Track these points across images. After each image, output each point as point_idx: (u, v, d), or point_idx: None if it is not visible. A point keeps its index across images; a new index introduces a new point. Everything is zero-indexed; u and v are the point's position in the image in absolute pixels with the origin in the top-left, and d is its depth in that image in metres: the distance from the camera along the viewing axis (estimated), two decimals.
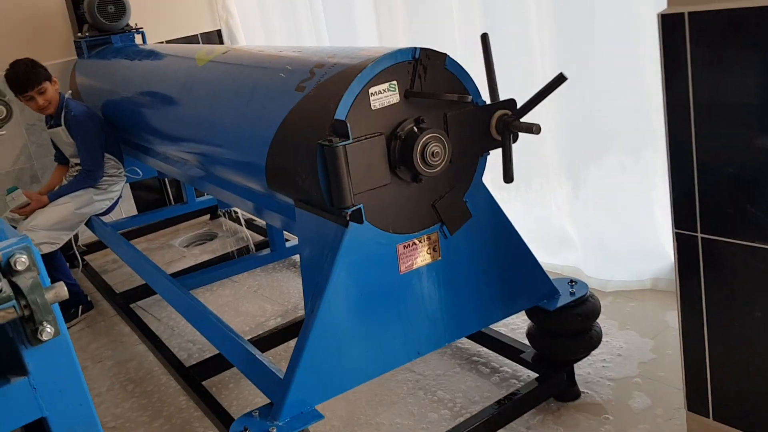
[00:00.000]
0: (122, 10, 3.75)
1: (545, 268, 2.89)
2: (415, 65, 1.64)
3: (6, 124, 1.51)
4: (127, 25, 3.79)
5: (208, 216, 4.34)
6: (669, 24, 1.51)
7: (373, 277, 1.70)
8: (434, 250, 1.78)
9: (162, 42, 4.18)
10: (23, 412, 1.11)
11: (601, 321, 2.49)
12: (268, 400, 1.71)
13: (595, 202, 2.61)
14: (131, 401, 2.49)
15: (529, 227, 2.90)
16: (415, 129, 1.63)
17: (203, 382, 2.36)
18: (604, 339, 2.38)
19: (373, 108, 1.60)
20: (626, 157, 2.50)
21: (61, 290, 1.05)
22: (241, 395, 2.39)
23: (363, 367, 1.73)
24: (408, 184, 1.69)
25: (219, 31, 4.45)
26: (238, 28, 4.32)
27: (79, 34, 3.78)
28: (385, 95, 1.61)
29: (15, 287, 1.01)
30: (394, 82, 1.62)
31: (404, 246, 1.73)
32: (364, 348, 1.72)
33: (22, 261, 1.02)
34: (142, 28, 3.83)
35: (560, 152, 2.67)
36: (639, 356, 2.28)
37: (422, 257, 1.77)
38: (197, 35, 4.38)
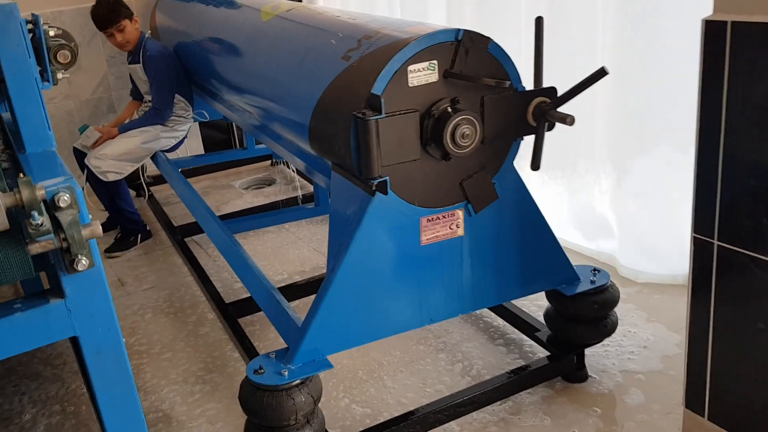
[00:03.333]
0: None
1: (581, 252, 2.94)
2: (457, 46, 1.69)
3: (71, 68, 1.66)
4: None
5: (269, 161, 4.50)
6: (712, 30, 1.51)
7: (394, 245, 1.79)
8: (457, 226, 1.86)
9: None
10: (59, 329, 1.28)
11: (630, 311, 2.54)
12: None
13: (638, 194, 2.60)
14: (167, 326, 2.70)
15: (571, 210, 2.93)
16: (449, 109, 1.69)
17: (239, 319, 2.53)
18: (631, 330, 2.42)
19: (410, 85, 1.66)
20: (675, 152, 2.47)
21: (97, 228, 1.19)
22: (270, 336, 2.56)
23: (375, 326, 1.84)
24: (437, 161, 1.76)
25: None
26: None
27: None
28: (423, 73, 1.67)
29: (57, 222, 1.15)
30: (434, 62, 1.68)
31: (428, 219, 1.81)
32: (378, 309, 1.82)
33: (64, 199, 1.16)
34: None
35: (609, 140, 2.66)
36: (664, 350, 2.30)
37: (444, 232, 1.84)
38: None
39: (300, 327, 1.81)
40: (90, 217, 1.24)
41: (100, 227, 1.19)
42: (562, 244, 2.55)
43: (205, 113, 3.71)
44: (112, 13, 3.27)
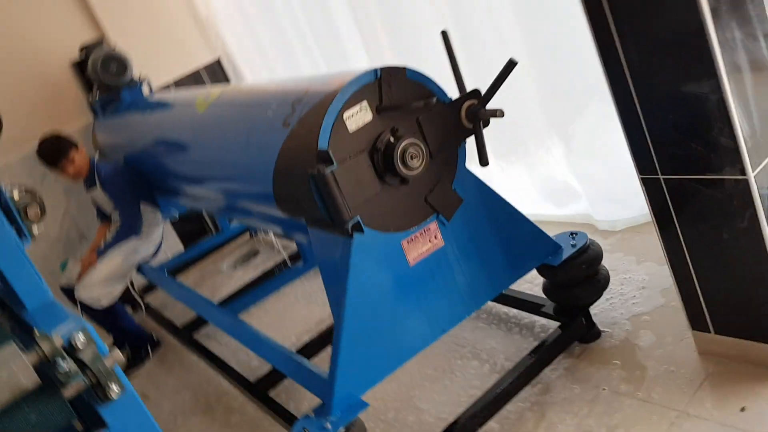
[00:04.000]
0: (124, 65, 3.99)
1: (559, 221, 3.06)
2: (380, 83, 1.82)
3: (42, 220, 1.76)
4: (132, 78, 4.03)
5: (248, 235, 4.59)
6: None
7: (386, 274, 1.90)
8: (436, 237, 1.97)
9: (169, 84, 4.42)
10: None
11: (620, 260, 2.67)
12: None
13: (587, 152, 2.75)
14: (199, 425, 2.78)
15: (537, 186, 3.06)
16: (392, 139, 1.81)
17: (270, 392, 2.61)
18: (626, 276, 2.54)
19: (350, 131, 1.79)
20: (606, 104, 2.62)
21: (117, 355, 1.29)
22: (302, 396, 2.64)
23: (395, 352, 1.94)
24: (398, 187, 1.88)
25: (219, 60, 4.65)
26: (236, 56, 4.53)
27: (90, 97, 4.05)
28: (359, 116, 1.80)
29: (79, 362, 1.25)
30: (365, 102, 1.81)
31: (407, 241, 1.92)
32: (392, 336, 1.93)
33: (80, 340, 1.25)
34: (146, 78, 4.07)
35: (546, 113, 2.81)
36: (661, 284, 2.41)
37: (427, 247, 1.96)
38: (200, 71, 4.59)
39: (327, 379, 1.90)
40: (106, 346, 1.33)
41: (120, 352, 1.29)
42: (538, 218, 2.67)
43: (174, 211, 3.81)
44: (58, 149, 3.37)
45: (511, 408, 2.12)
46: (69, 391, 1.25)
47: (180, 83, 4.49)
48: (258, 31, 4.20)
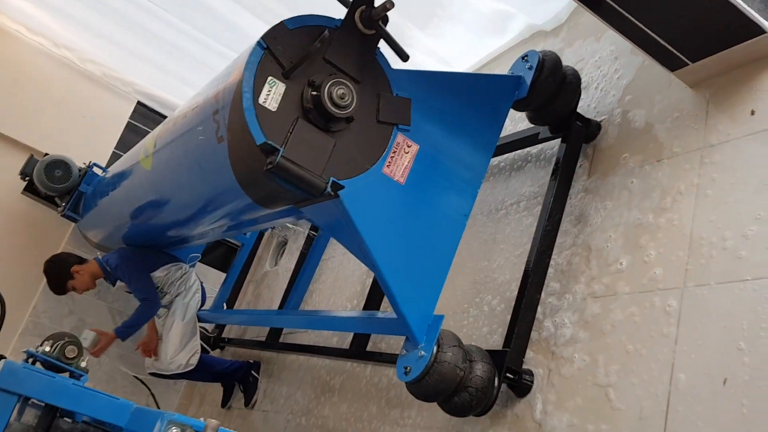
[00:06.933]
0: (65, 165, 3.99)
1: (510, 48, 3.03)
2: (270, 52, 1.79)
3: (85, 354, 1.84)
4: (80, 170, 4.03)
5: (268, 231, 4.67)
6: None
7: (388, 205, 1.93)
8: (409, 146, 1.98)
9: (115, 153, 4.41)
10: None
11: (578, 49, 2.63)
12: None
13: None
14: (334, 400, 2.94)
15: (472, 30, 3.02)
16: (313, 92, 1.80)
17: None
18: (594, 58, 2.51)
19: (274, 110, 1.78)
20: None
21: (212, 423, 1.38)
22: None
23: (437, 259, 1.99)
24: (348, 128, 1.87)
25: (140, 103, 4.59)
26: (150, 89, 4.48)
27: (59, 209, 4.07)
28: (273, 93, 1.79)
29: None
30: (269, 78, 1.79)
31: (387, 166, 1.94)
32: (427, 249, 1.98)
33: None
34: (90, 162, 4.06)
35: None
36: (628, 45, 2.36)
37: (406, 159, 1.97)
38: (130, 121, 4.55)
39: (398, 318, 1.97)
40: (201, 420, 1.42)
41: (212, 421, 1.38)
42: (491, 56, 2.66)
43: (194, 255, 3.88)
44: (57, 275, 3.48)
45: (560, 260, 2.15)
46: None
47: (121, 144, 4.46)
48: (151, 56, 4.13)
